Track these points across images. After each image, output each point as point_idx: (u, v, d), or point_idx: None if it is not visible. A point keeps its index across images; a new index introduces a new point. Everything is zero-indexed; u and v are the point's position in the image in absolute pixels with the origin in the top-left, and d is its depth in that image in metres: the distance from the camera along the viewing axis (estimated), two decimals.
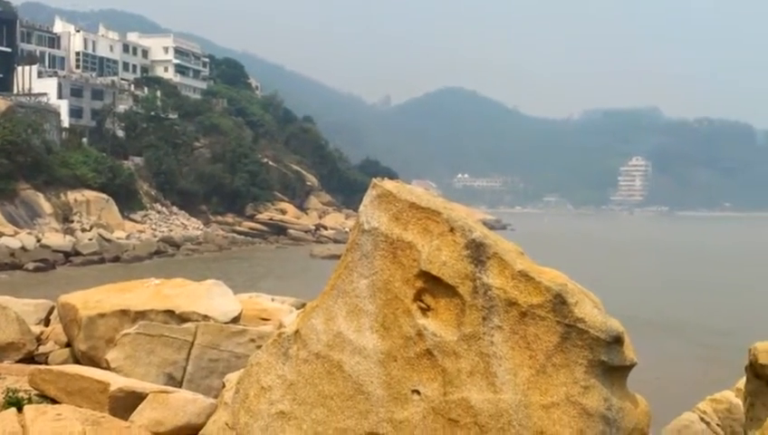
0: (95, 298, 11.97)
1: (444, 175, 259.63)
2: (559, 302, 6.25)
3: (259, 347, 8.15)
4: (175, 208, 71.65)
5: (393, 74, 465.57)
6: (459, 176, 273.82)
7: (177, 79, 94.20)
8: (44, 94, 69.63)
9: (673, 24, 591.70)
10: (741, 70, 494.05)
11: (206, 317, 11.25)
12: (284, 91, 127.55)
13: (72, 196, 59.63)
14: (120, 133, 76.16)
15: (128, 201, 65.34)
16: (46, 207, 56.73)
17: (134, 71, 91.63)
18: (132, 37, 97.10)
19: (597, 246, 77.65)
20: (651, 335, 23.13)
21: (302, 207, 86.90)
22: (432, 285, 6.49)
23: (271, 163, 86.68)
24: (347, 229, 68.42)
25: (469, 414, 6.17)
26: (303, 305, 12.12)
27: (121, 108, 77.70)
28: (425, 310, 6.50)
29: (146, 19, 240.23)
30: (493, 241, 6.51)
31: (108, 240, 55.68)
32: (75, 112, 72.38)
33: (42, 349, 12.37)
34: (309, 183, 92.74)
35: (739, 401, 8.79)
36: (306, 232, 77.64)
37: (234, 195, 77.69)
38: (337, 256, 7.15)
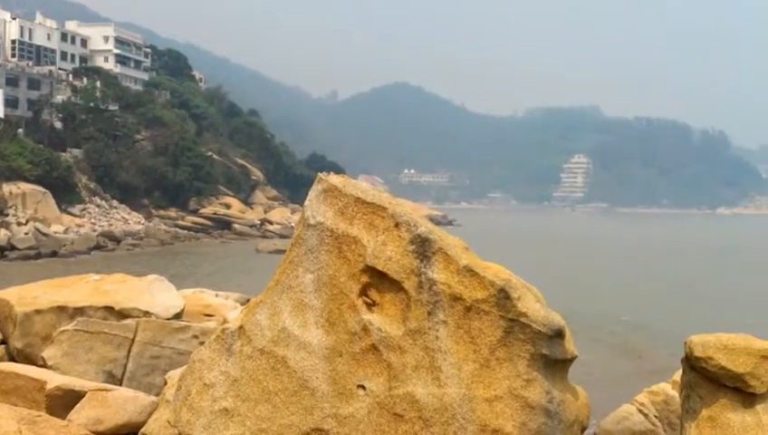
0: (31, 294, 11.62)
1: (390, 170, 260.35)
2: (502, 296, 6.33)
3: (202, 343, 8.03)
4: (115, 202, 70.02)
5: (340, 69, 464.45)
6: (406, 171, 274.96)
7: (117, 69, 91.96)
8: None
9: (613, 26, 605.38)
10: (679, 70, 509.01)
11: (147, 313, 11.03)
12: (229, 83, 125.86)
13: (8, 188, 57.72)
14: (58, 125, 74.00)
15: (66, 194, 63.54)
16: None
17: (73, 60, 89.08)
18: (71, 26, 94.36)
19: (540, 242, 79.03)
20: (592, 329, 23.64)
21: (248, 202, 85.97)
22: (377, 280, 6.50)
23: (215, 157, 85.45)
24: (293, 224, 67.92)
25: (414, 409, 6.20)
26: (248, 301, 12.01)
27: (59, 98, 75.51)
28: (370, 305, 6.51)
29: (86, 8, 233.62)
30: (438, 236, 6.55)
31: (45, 234, 54.05)
32: (11, 102, 70.01)
33: None
34: (254, 177, 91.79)
35: (675, 393, 9.06)
36: (251, 227, 76.82)
37: (177, 189, 76.33)
38: (282, 251, 7.09)
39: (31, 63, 79.63)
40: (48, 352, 10.40)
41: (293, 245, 6.81)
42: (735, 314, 30.59)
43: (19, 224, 54.42)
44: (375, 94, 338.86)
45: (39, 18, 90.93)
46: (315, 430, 6.35)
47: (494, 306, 6.34)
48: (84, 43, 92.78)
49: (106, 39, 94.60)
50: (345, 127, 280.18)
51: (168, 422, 7.56)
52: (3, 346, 11.73)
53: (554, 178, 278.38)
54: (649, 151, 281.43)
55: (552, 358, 6.41)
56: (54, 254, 51.07)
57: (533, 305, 6.43)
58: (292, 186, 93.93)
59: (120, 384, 10.11)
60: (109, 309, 11.09)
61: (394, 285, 6.47)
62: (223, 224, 75.75)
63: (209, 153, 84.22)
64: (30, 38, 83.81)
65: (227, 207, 79.72)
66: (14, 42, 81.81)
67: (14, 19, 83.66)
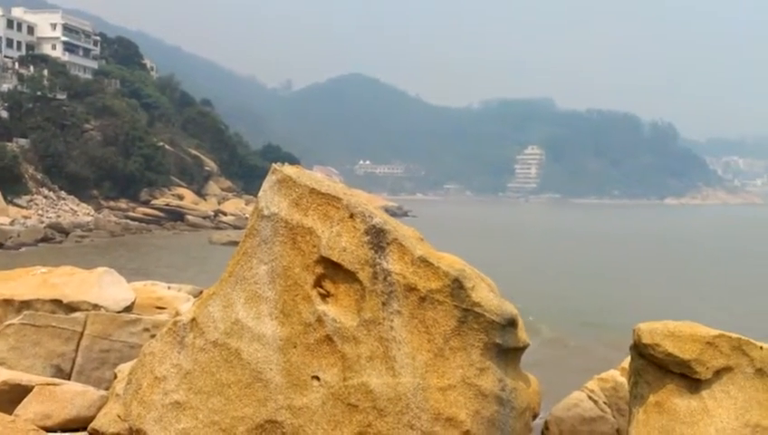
0: None
1: (346, 161, 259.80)
2: (457, 287, 6.38)
3: (154, 336, 7.92)
4: (63, 193, 68.41)
5: (295, 59, 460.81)
6: (361, 163, 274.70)
7: (65, 57, 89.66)
8: None
9: (566, 19, 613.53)
10: (630, 64, 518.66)
11: (96, 306, 10.82)
12: (181, 72, 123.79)
13: None
14: (4, 114, 71.91)
15: (12, 185, 61.84)
16: None
17: (19, 48, 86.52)
18: (17, 12, 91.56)
19: (494, 232, 79.87)
20: (544, 317, 24.01)
21: (201, 193, 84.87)
22: (332, 271, 6.49)
23: (167, 147, 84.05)
24: (247, 215, 67.16)
25: (368, 399, 6.21)
26: (201, 293, 11.86)
27: (5, 87, 73.40)
28: (325, 296, 6.49)
29: None
30: (393, 227, 6.56)
31: None
32: None
33: None
34: (207, 168, 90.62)
35: (624, 380, 9.24)
36: (205, 218, 75.88)
37: (127, 179, 74.89)
38: (236, 243, 7.02)
39: None
40: None
41: (247, 236, 6.75)
42: (683, 301, 31.42)
43: None
44: (331, 85, 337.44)
45: None
46: (269, 422, 6.31)
47: (448, 296, 6.38)
48: (31, 30, 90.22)
49: (53, 26, 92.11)
50: (300, 118, 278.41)
51: (119, 416, 7.44)
52: None
53: (509, 169, 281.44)
54: (601, 143, 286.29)
55: (504, 347, 6.49)
56: (0, 246, 49.73)
57: (487, 295, 6.49)
58: (247, 177, 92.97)
59: (69, 379, 9.91)
60: (57, 302, 10.86)
61: (349, 276, 6.46)
62: (175, 215, 74.66)
63: (161, 143, 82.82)
64: None
65: (180, 198, 78.59)
66: None
67: None
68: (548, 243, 68.28)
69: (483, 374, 6.34)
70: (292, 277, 6.50)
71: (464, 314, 6.37)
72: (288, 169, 6.84)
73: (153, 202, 75.29)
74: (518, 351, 6.72)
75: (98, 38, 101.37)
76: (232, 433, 6.34)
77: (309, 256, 6.51)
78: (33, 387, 8.71)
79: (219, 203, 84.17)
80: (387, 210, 10.40)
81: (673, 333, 6.79)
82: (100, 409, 8.57)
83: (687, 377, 6.75)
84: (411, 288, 6.39)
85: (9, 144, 66.70)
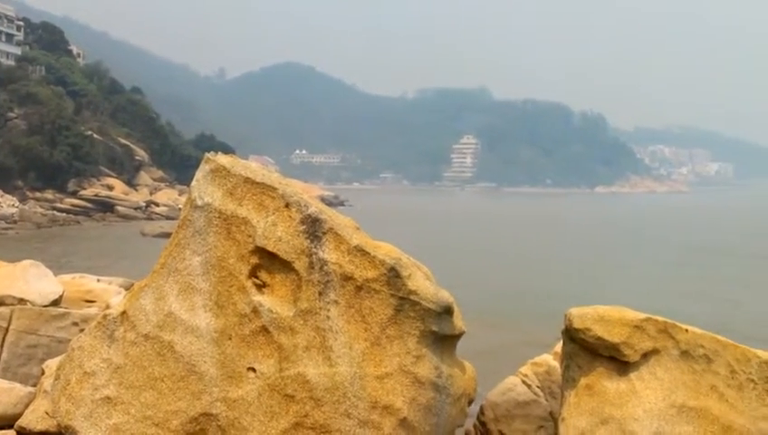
0: None
1: (282, 151, 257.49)
2: (393, 275, 6.40)
3: (83, 331, 7.69)
4: None
5: (228, 47, 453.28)
6: (297, 152, 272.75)
7: None
8: None
9: (501, 10, 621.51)
10: (562, 55, 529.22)
11: (22, 301, 10.45)
12: (110, 59, 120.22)
13: None
14: None
15: None
16: None
17: None
18: None
19: (430, 221, 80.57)
20: (479, 304, 24.36)
21: (132, 183, 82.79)
22: (268, 262, 6.42)
23: (96, 136, 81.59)
24: (180, 206, 65.93)
25: (305, 389, 6.19)
26: (132, 286, 11.58)
27: None
28: (260, 286, 6.43)
29: None
30: (329, 216, 6.54)
31: None
32: None
33: None
34: (138, 158, 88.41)
35: (557, 364, 9.46)
36: (136, 209, 74.07)
37: (54, 170, 72.38)
38: (169, 234, 6.88)
39: None
40: None
41: (180, 227, 6.62)
42: (613, 286, 32.37)
43: None
44: (265, 73, 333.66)
45: None
46: (203, 415, 6.22)
47: (384, 285, 6.40)
48: None
49: None
50: (235, 106, 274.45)
51: (47, 413, 7.22)
52: None
53: (445, 158, 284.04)
54: (534, 133, 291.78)
55: (440, 334, 6.55)
56: None
57: (423, 283, 6.53)
58: (180, 167, 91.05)
59: None
60: None
61: (285, 266, 6.41)
62: (105, 206, 72.65)
63: (89, 132, 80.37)
64: None
65: (110, 188, 76.49)
66: None
67: None
68: (483, 231, 69.32)
69: (419, 362, 6.39)
70: (226, 268, 6.41)
71: (400, 302, 6.40)
72: (222, 159, 6.74)
73: (81, 193, 73.04)
74: (454, 338, 6.79)
75: (21, 23, 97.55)
76: (165, 427, 6.22)
77: (244, 247, 6.43)
78: None
79: (151, 193, 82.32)
80: (323, 200, 10.39)
81: (603, 317, 6.97)
82: (27, 406, 8.30)
83: (616, 360, 6.94)
84: (348, 277, 6.38)
85: None
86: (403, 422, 6.28)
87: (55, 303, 10.79)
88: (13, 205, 64.58)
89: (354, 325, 6.37)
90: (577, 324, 7.01)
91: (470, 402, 7.06)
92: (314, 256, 6.36)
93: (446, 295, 6.60)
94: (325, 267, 6.36)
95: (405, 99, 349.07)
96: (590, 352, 7.02)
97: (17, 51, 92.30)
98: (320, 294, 6.34)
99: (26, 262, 11.66)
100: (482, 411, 10.03)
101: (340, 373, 6.22)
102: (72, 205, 70.75)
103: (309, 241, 6.39)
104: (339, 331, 6.31)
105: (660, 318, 7.10)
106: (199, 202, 6.52)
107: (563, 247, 53.43)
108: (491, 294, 28.78)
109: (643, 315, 7.07)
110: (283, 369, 6.24)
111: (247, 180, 6.55)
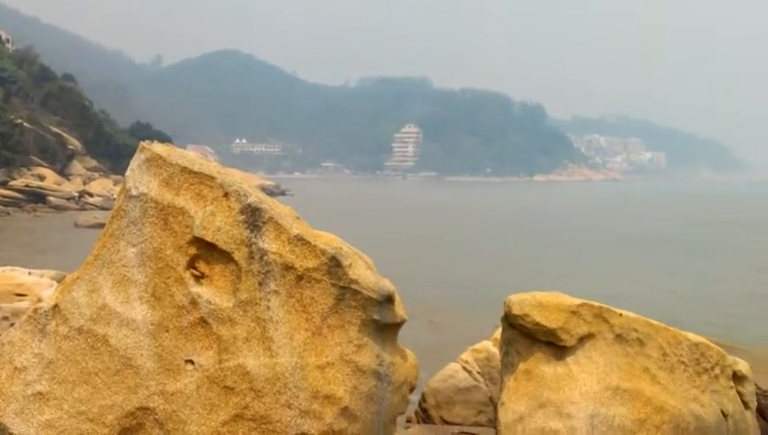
0: None
1: (221, 140, 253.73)
2: (334, 265, 6.38)
3: (13, 325, 7.43)
4: None
5: (164, 34, 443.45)
6: (237, 141, 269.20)
7: None
8: None
9: (441, 1, 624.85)
10: (502, 44, 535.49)
11: None
12: (40, 45, 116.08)
13: None
14: None
15: None
16: None
17: None
18: None
19: (371, 210, 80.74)
20: (421, 292, 24.56)
21: (64, 173, 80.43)
22: (206, 252, 6.32)
23: (26, 125, 78.89)
24: (115, 196, 64.40)
25: (245, 380, 6.12)
26: (65, 278, 11.26)
27: None
28: (199, 278, 6.32)
29: None
30: (269, 206, 6.46)
31: None
32: None
33: None
34: (71, 147, 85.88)
35: (496, 350, 9.61)
36: (69, 199, 72.03)
37: None
38: (104, 225, 6.70)
39: None
40: None
41: (114, 217, 6.45)
42: (551, 273, 33.07)
43: None
44: (204, 61, 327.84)
45: None
46: (140, 409, 6.09)
47: (325, 274, 6.37)
48: None
49: None
50: (172, 95, 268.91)
51: None
52: None
53: (386, 147, 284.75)
54: (474, 122, 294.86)
55: (382, 323, 6.56)
56: None
57: (364, 272, 6.53)
58: (114, 156, 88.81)
59: None
60: None
61: (224, 257, 6.32)
62: (36, 197, 70.44)
63: (19, 121, 77.67)
64: None
65: (41, 178, 74.18)
66: None
67: None
68: (424, 220, 69.84)
69: (360, 351, 6.39)
70: (163, 259, 6.28)
71: (341, 291, 6.38)
72: (158, 148, 6.58)
73: (11, 183, 70.65)
74: (395, 326, 6.82)
75: None
76: (100, 422, 6.07)
77: (181, 237, 6.30)
78: None
79: (84, 184, 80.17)
80: (263, 189, 10.24)
81: (540, 303, 7.10)
82: None
83: (554, 345, 7.08)
84: (288, 267, 6.33)
85: None
86: (344, 411, 6.28)
87: None
88: None
89: (295, 315, 6.33)
90: (516, 311, 7.12)
91: (412, 390, 7.11)
92: (254, 246, 6.29)
93: (387, 284, 6.61)
94: (265, 257, 6.29)
95: (346, 87, 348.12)
96: (528, 337, 7.15)
97: None
98: (260, 284, 6.27)
99: None
100: (423, 398, 10.13)
101: (280, 364, 6.18)
102: (2, 195, 68.37)
103: (249, 231, 6.31)
104: (279, 321, 6.26)
105: (596, 303, 7.27)
106: (134, 192, 6.37)
107: (502, 236, 54.27)
108: (432, 283, 29.06)
109: (579, 301, 7.22)
110: (222, 361, 6.16)
111: (184, 170, 6.41)
